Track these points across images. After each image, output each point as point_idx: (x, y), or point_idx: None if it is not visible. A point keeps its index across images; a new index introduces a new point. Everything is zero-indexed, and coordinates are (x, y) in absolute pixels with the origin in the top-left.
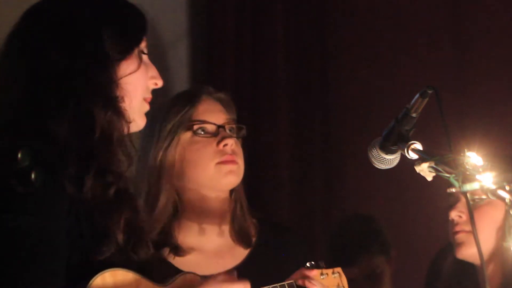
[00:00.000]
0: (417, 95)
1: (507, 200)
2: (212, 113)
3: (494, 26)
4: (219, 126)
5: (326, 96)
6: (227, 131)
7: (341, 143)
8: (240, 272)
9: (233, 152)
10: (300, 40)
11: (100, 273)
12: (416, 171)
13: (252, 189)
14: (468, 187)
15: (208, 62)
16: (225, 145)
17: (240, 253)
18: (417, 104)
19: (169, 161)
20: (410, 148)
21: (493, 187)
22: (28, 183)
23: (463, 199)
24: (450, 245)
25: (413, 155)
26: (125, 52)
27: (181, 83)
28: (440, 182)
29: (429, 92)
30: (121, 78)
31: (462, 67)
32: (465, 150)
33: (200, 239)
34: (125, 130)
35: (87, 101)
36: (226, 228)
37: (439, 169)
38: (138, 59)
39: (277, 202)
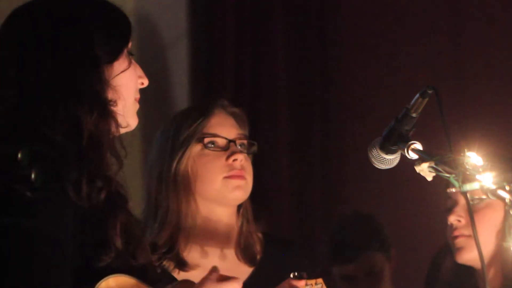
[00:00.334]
0: (417, 95)
1: (507, 200)
2: (224, 127)
3: (494, 26)
4: (230, 141)
5: (326, 96)
6: (238, 146)
7: (341, 143)
8: None
9: (242, 168)
10: (300, 40)
11: (104, 278)
12: (416, 171)
13: (252, 190)
14: (468, 187)
15: (208, 62)
16: (235, 160)
17: (245, 271)
18: (417, 104)
19: (180, 173)
20: (410, 148)
21: (493, 187)
22: (28, 184)
23: (461, 203)
24: (448, 247)
25: (413, 155)
26: (115, 53)
27: (181, 83)
28: (440, 182)
29: (429, 92)
30: (113, 79)
31: (462, 67)
32: (465, 150)
33: (204, 255)
34: (115, 133)
35: (75, 105)
36: (231, 245)
37: (439, 169)
38: (128, 59)
39: (277, 203)
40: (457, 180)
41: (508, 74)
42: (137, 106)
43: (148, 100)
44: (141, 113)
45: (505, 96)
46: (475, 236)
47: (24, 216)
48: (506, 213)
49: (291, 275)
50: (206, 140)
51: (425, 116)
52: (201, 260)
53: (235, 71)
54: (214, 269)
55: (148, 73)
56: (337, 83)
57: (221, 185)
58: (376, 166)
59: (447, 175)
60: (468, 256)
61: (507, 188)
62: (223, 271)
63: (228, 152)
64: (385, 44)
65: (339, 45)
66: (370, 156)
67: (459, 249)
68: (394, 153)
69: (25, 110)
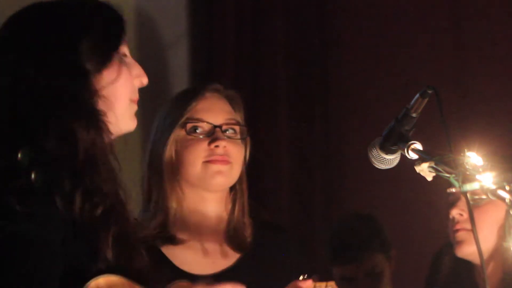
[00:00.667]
0: (417, 95)
1: (507, 200)
2: (211, 112)
3: (494, 26)
4: (215, 126)
5: (326, 96)
6: (224, 132)
7: (341, 143)
8: (231, 273)
9: (226, 153)
10: (300, 40)
11: (94, 279)
12: (416, 171)
13: (252, 189)
14: (468, 187)
15: (208, 62)
16: (216, 146)
17: (233, 255)
18: (417, 104)
19: (166, 158)
20: (410, 148)
21: (493, 187)
22: (28, 185)
23: (464, 197)
24: (448, 245)
25: (413, 155)
26: (103, 61)
27: (181, 83)
28: (440, 182)
29: (429, 92)
30: (104, 88)
31: (462, 67)
32: (465, 150)
33: (194, 237)
34: (109, 148)
35: (67, 118)
36: (221, 229)
37: (439, 169)
38: (118, 65)
39: (277, 202)
40: (457, 180)
41: (508, 74)
42: (134, 107)
43: (148, 100)
44: (141, 113)
45: (505, 96)
46: (475, 235)
47: (11, 221)
48: (506, 213)
49: (300, 277)
50: (189, 125)
51: (425, 116)
52: (190, 241)
53: (235, 71)
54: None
55: (148, 73)
56: (337, 83)
57: (201, 169)
58: (376, 166)
59: (447, 175)
60: (468, 250)
61: (507, 188)
62: (213, 254)
63: (211, 138)
64: (385, 44)
65: (339, 45)
66: (370, 156)
67: (460, 242)
68: (394, 153)
69: (18, 121)
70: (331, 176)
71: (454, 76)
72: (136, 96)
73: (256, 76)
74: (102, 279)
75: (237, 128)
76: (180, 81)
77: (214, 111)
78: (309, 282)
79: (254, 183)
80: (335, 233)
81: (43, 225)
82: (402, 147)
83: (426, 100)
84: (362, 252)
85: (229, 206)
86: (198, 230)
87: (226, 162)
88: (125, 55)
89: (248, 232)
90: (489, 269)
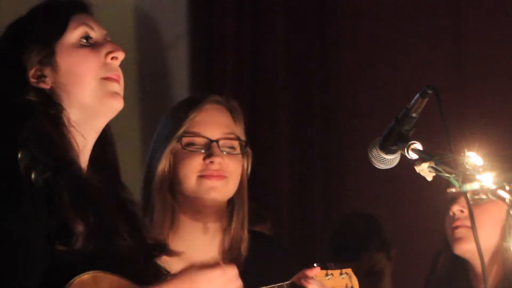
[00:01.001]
0: (417, 95)
1: (507, 200)
2: (209, 126)
3: (494, 26)
4: (211, 141)
5: (326, 96)
6: (222, 147)
7: (341, 143)
8: None
9: (221, 168)
10: (300, 40)
11: (79, 275)
12: (416, 171)
13: (252, 189)
14: (468, 187)
15: (208, 62)
16: (211, 162)
17: None
18: (417, 104)
19: (159, 173)
20: (410, 148)
21: (493, 187)
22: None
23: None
24: (445, 243)
25: (413, 155)
26: (47, 54)
27: (181, 83)
28: (440, 182)
29: (429, 92)
30: (61, 75)
31: (462, 67)
32: (465, 150)
33: (189, 249)
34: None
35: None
36: (217, 242)
37: (439, 169)
38: (69, 50)
39: (277, 202)
40: (457, 180)
41: (508, 74)
42: (110, 85)
43: (148, 100)
44: (141, 113)
45: (505, 96)
46: (475, 235)
47: None
48: (507, 213)
49: (315, 265)
50: (184, 140)
51: (425, 116)
52: (186, 254)
53: (235, 71)
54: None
55: (148, 73)
56: (337, 83)
57: (196, 184)
58: (376, 166)
59: (447, 175)
60: (467, 247)
61: (507, 188)
62: (207, 266)
63: (207, 153)
64: (385, 44)
65: (339, 45)
66: (370, 156)
67: (459, 239)
68: (394, 153)
69: None
70: (331, 176)
71: (454, 76)
72: (109, 73)
73: (256, 76)
74: (87, 275)
75: (235, 143)
76: (180, 81)
77: (211, 124)
78: (317, 269)
79: (255, 183)
80: (335, 232)
81: (25, 223)
82: (402, 147)
83: (426, 100)
84: (361, 251)
85: (227, 219)
86: (193, 242)
87: (221, 177)
88: (86, 38)
89: (244, 246)
90: (489, 268)
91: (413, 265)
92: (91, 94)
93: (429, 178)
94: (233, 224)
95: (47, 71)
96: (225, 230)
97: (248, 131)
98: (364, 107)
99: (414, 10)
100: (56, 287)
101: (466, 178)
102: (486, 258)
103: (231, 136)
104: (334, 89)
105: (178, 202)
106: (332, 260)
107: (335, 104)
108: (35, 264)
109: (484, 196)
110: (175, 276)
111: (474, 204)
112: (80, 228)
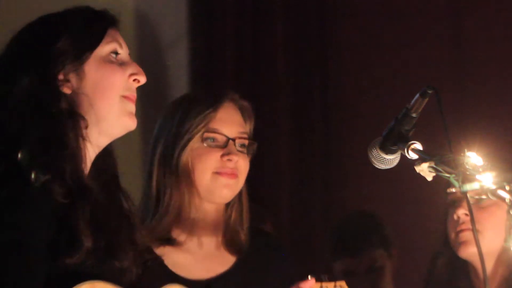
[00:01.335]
0: (417, 95)
1: (507, 200)
2: (227, 124)
3: (494, 25)
4: (229, 139)
5: (326, 96)
6: (236, 145)
7: (341, 143)
8: (225, 280)
9: (236, 167)
10: (300, 40)
11: (78, 285)
12: (416, 171)
13: (252, 189)
14: (468, 187)
15: (208, 62)
16: (229, 160)
17: (229, 260)
18: (417, 104)
19: (181, 164)
20: (410, 148)
21: (493, 187)
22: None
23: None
24: (446, 245)
25: (413, 155)
26: (80, 62)
27: (181, 83)
28: (440, 182)
29: (429, 92)
30: (84, 86)
31: (462, 67)
32: (465, 150)
33: (191, 239)
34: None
35: (40, 119)
36: (219, 233)
37: (439, 169)
38: (99, 63)
39: (277, 202)
40: (457, 180)
41: (508, 74)
42: (128, 105)
43: (148, 100)
44: (141, 114)
45: (505, 96)
46: (475, 235)
47: None
48: (507, 213)
49: (309, 277)
50: (206, 135)
51: (425, 116)
52: (188, 244)
53: (235, 71)
54: None
55: (148, 73)
56: (337, 83)
57: (210, 180)
58: (376, 166)
59: (447, 175)
60: (473, 250)
61: (507, 188)
62: (209, 258)
63: (224, 150)
64: (385, 44)
65: (339, 45)
66: (370, 156)
67: (464, 242)
68: (394, 153)
69: None
70: (331, 176)
71: (454, 76)
72: (130, 93)
73: (256, 76)
74: (86, 285)
75: (247, 142)
76: (180, 81)
77: (229, 122)
78: (312, 282)
79: (254, 183)
80: (337, 228)
81: (26, 228)
82: (402, 147)
83: (426, 100)
84: (362, 247)
85: (228, 213)
86: (196, 233)
87: (235, 176)
88: (115, 53)
89: (243, 240)
90: (494, 271)
91: (412, 265)
92: (111, 109)
93: (429, 178)
94: (233, 216)
95: (72, 77)
96: (225, 222)
97: (253, 126)
98: (364, 107)
99: (414, 10)
100: None
101: (466, 178)
102: (492, 261)
103: (245, 135)
104: (334, 89)
105: (189, 194)
106: (334, 256)
107: (335, 104)
108: (37, 270)
109: (484, 196)
110: None
111: (478, 204)
112: (89, 243)
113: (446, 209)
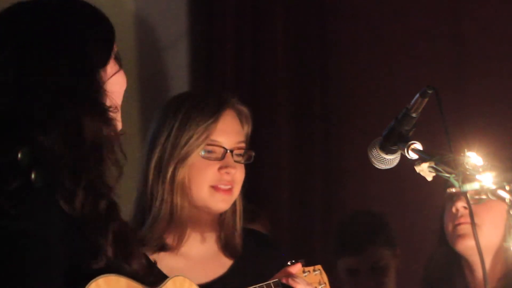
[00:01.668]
0: (417, 95)
1: (507, 200)
2: (226, 134)
3: (494, 25)
4: (226, 151)
5: (326, 96)
6: (234, 156)
7: (341, 143)
8: (225, 282)
9: (232, 180)
10: (300, 39)
11: (94, 279)
12: (416, 171)
13: (252, 189)
14: (468, 187)
15: (208, 62)
16: (227, 172)
17: (226, 263)
18: (417, 104)
19: (178, 176)
20: (410, 148)
21: (493, 187)
22: (27, 184)
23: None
24: (442, 240)
25: (413, 155)
26: (106, 57)
27: (181, 83)
28: (440, 182)
29: (429, 92)
30: (106, 83)
31: (462, 67)
32: (465, 150)
33: (186, 244)
34: (115, 139)
35: (75, 111)
36: (213, 237)
37: (439, 169)
38: (115, 62)
39: (277, 202)
40: (457, 180)
41: (508, 74)
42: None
43: (147, 100)
44: (140, 114)
45: (505, 96)
46: (474, 235)
47: (12, 219)
48: (507, 213)
49: (289, 263)
50: (206, 148)
51: (425, 116)
52: (183, 249)
53: (235, 71)
54: None
55: (148, 73)
56: (337, 83)
57: (207, 193)
58: (376, 166)
59: (447, 175)
60: (470, 243)
61: (507, 188)
62: (205, 262)
63: (222, 163)
64: (385, 44)
65: (339, 45)
66: (370, 156)
67: (462, 235)
68: (394, 153)
69: (21, 115)
70: (331, 176)
71: (454, 76)
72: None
73: (256, 76)
74: (101, 279)
75: (243, 152)
76: (180, 81)
77: (228, 133)
78: (299, 266)
79: (254, 183)
80: (341, 226)
81: (42, 224)
82: (402, 147)
83: (426, 100)
84: (366, 246)
85: (222, 216)
86: (190, 237)
87: (231, 192)
88: (117, 58)
89: (238, 242)
90: (492, 266)
91: (412, 265)
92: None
93: (429, 178)
94: (227, 219)
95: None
96: (220, 225)
97: (250, 131)
98: (364, 107)
99: (414, 10)
100: None
101: (466, 178)
102: (490, 256)
103: (242, 145)
104: (334, 89)
105: (183, 203)
106: (337, 254)
107: (335, 104)
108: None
109: (484, 196)
110: None
111: (474, 203)
112: (110, 252)
113: (443, 204)
